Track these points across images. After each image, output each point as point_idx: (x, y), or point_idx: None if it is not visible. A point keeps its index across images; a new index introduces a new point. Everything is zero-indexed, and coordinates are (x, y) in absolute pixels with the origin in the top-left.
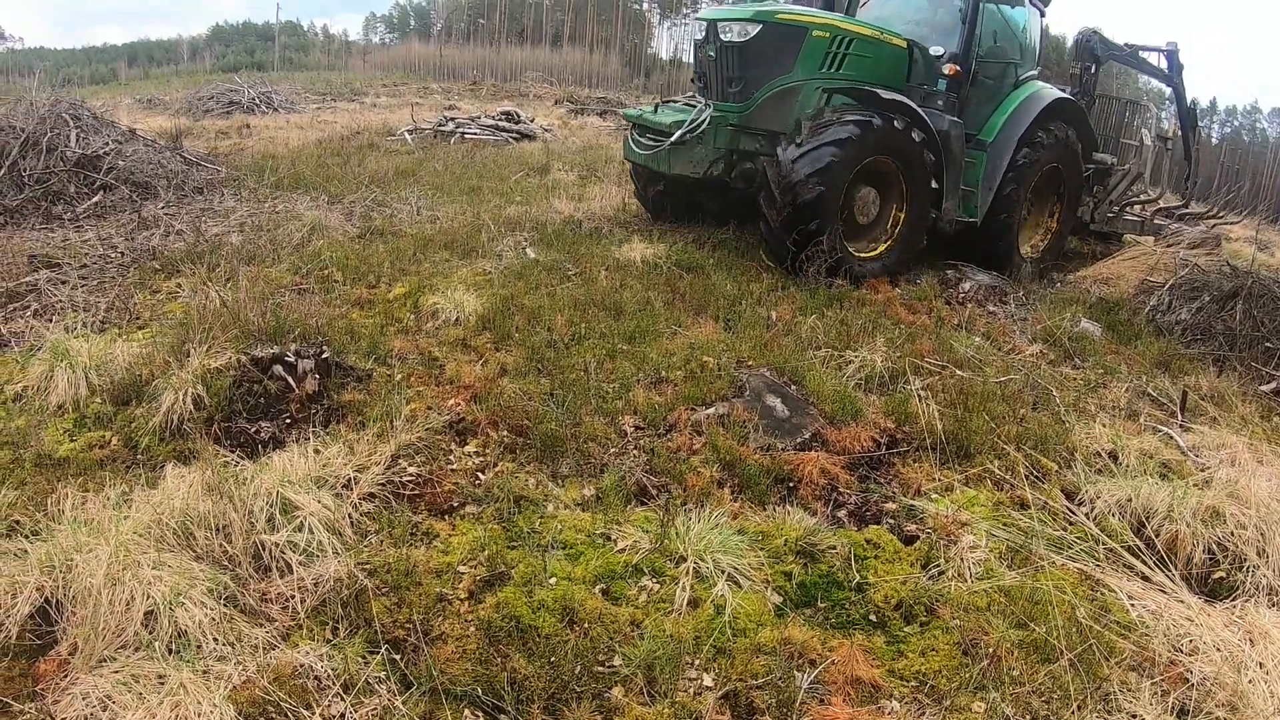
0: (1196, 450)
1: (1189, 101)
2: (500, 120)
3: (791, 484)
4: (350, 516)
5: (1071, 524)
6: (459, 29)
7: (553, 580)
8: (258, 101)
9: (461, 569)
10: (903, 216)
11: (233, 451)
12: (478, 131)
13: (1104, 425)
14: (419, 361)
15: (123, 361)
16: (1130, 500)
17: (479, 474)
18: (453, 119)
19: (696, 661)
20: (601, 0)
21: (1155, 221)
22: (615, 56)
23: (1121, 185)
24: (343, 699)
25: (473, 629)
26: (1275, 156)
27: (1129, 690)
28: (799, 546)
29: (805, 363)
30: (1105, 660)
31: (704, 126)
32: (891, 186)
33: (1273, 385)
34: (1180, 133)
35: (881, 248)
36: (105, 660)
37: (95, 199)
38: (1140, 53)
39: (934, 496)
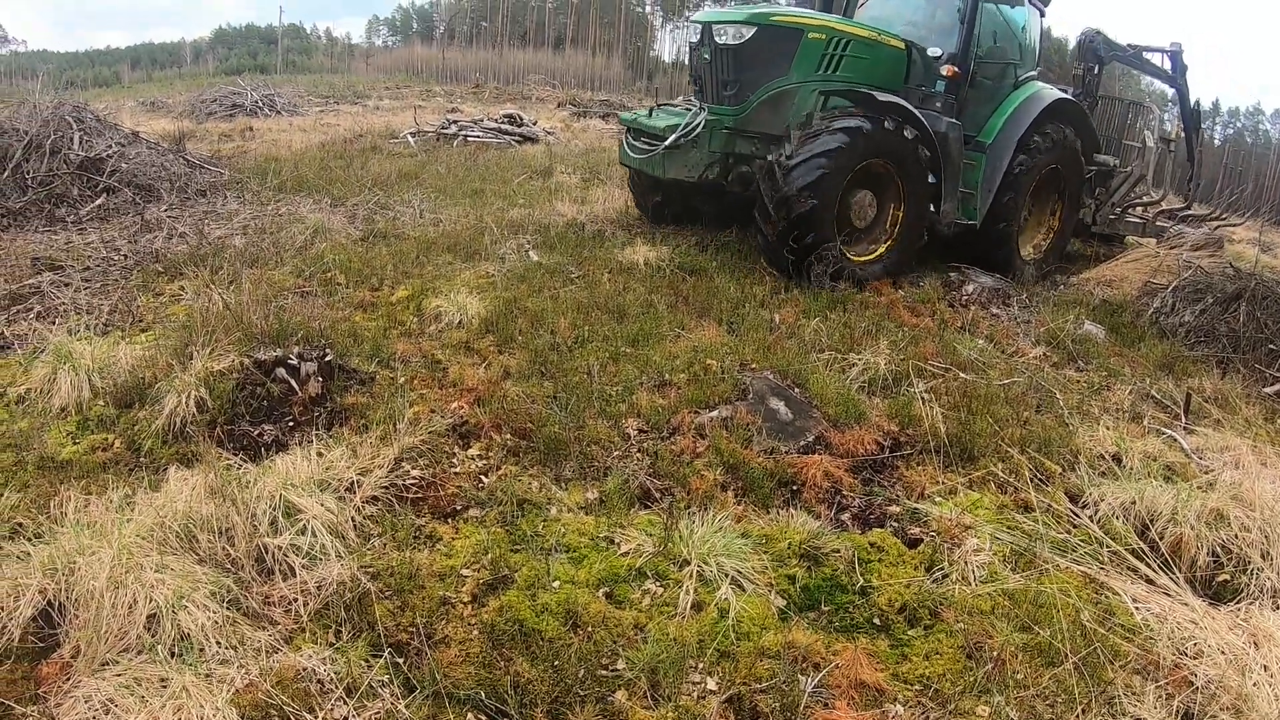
0: (1200, 453)
1: (1193, 103)
2: (503, 123)
3: (795, 487)
4: (353, 519)
5: (1075, 527)
6: (461, 32)
7: (556, 583)
8: (261, 104)
9: (465, 572)
10: (901, 215)
11: (235, 454)
12: (480, 134)
13: (1108, 428)
14: (422, 364)
15: (125, 364)
16: (1134, 503)
17: (482, 477)
18: (455, 122)
19: (700, 665)
20: (604, 3)
21: (1158, 224)
22: (618, 59)
23: (1124, 187)
24: (346, 702)
25: (476, 632)
26: (1278, 158)
27: (1133, 694)
28: (803, 550)
29: (808, 365)
30: (1109, 663)
31: (699, 130)
32: (888, 187)
33: (1276, 387)
34: (1183, 134)
35: (882, 248)
36: (108, 663)
37: (98, 202)
38: (1144, 53)
39: (938, 499)
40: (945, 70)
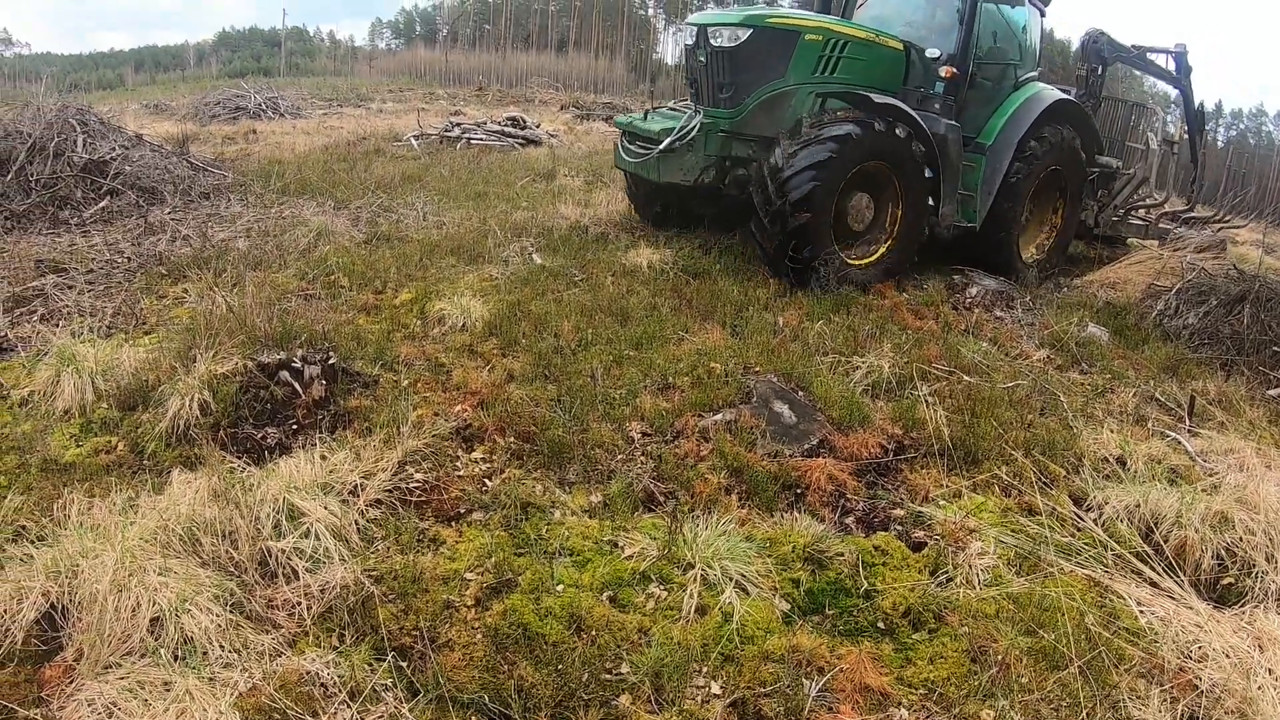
0: (1204, 455)
1: (1197, 104)
2: (506, 126)
3: (799, 490)
4: (357, 523)
5: (1080, 530)
6: (464, 35)
7: (560, 587)
8: (264, 107)
9: (468, 576)
10: (900, 214)
11: (239, 457)
12: (484, 137)
13: (1112, 430)
14: (426, 367)
15: (129, 367)
16: (1138, 506)
17: (486, 480)
18: (459, 124)
19: (704, 669)
20: (607, 6)
21: (1160, 226)
22: (620, 62)
23: (1127, 190)
24: (349, 706)
25: (480, 636)
26: None
27: (1138, 697)
28: (807, 553)
29: (812, 369)
30: (1114, 667)
31: (694, 133)
32: (885, 188)
33: None
34: (1187, 136)
35: (882, 249)
36: (111, 666)
37: (102, 204)
38: (1148, 54)
39: (942, 503)
40: (944, 71)
